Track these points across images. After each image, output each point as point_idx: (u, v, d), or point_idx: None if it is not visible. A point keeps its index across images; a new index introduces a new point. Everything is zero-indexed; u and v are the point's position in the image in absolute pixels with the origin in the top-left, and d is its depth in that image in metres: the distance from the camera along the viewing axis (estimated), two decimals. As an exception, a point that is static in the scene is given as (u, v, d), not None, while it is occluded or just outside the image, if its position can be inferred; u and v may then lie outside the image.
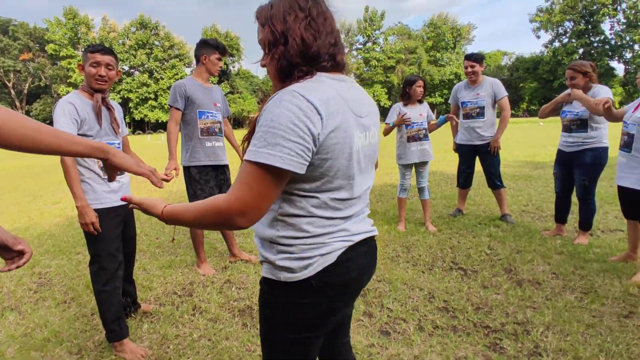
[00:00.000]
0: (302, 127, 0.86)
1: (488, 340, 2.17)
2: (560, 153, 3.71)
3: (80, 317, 2.60)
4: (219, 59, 3.20)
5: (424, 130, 4.10)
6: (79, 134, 2.07)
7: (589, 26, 50.75)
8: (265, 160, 0.85)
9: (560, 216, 3.82)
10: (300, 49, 0.96)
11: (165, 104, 48.16)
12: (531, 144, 13.47)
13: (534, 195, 5.65)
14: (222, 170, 3.31)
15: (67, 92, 2.23)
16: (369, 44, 60.44)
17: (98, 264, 2.14)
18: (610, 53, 50.80)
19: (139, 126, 55.73)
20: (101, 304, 2.14)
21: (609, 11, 48.29)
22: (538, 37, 63.65)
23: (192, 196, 3.17)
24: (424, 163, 4.17)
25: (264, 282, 1.06)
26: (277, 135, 0.86)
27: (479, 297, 2.67)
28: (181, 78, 3.25)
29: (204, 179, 3.18)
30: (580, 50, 51.27)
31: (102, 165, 2.13)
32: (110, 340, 2.16)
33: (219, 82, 50.63)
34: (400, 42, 60.40)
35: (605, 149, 3.43)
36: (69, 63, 47.60)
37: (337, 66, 1.03)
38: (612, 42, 50.40)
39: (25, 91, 53.31)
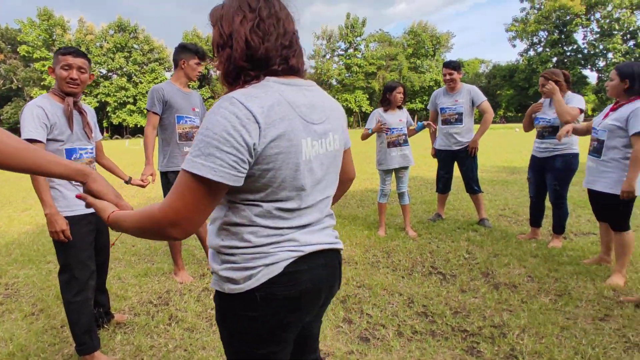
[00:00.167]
0: (237, 137, 0.82)
1: (466, 344, 2.19)
2: (533, 159, 3.81)
3: (49, 329, 2.50)
4: (198, 64, 3.16)
5: (404, 136, 4.14)
6: (48, 139, 2.00)
7: (562, 36, 52.64)
8: (197, 170, 0.82)
9: (535, 220, 3.91)
10: (244, 52, 0.91)
11: (144, 108, 47.34)
12: (508, 150, 13.82)
13: (510, 199, 5.78)
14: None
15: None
16: (351, 50, 60.97)
17: (68, 274, 2.06)
18: (582, 62, 52.77)
19: (117, 131, 54.53)
20: (71, 315, 2.06)
21: (582, 21, 50.21)
22: (514, 46, 65.87)
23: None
24: (404, 168, 4.21)
25: (215, 294, 1.02)
26: (211, 145, 0.82)
27: (458, 301, 2.70)
28: (161, 82, 3.18)
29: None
30: (554, 59, 53.07)
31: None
32: (80, 354, 2.08)
33: (200, 87, 50.10)
34: (381, 48, 61.23)
35: (576, 155, 3.54)
36: (43, 65, 46.20)
37: (290, 70, 0.97)
38: (585, 51, 52.40)
39: (-4, 93, 51.51)
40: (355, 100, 58.55)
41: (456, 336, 2.27)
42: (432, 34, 62.65)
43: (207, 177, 0.81)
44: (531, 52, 56.46)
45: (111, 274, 3.30)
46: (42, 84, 46.80)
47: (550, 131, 3.61)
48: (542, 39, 55.00)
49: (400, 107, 4.23)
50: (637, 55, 46.54)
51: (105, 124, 52.48)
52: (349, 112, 61.75)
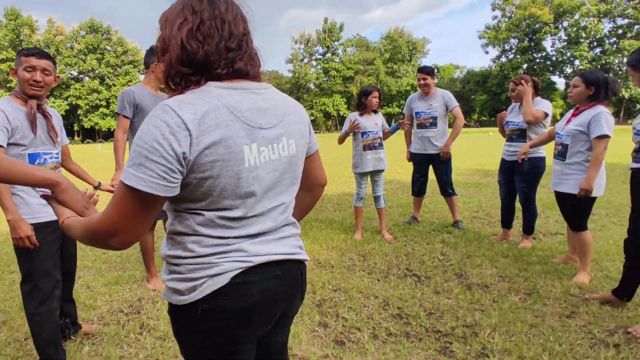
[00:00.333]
0: (166, 146, 0.79)
1: (439, 345, 2.22)
2: (503, 162, 3.94)
3: (12, 342, 2.39)
4: (170, 67, 3.10)
5: (379, 139, 4.19)
6: (10, 143, 1.92)
7: (532, 43, 54.66)
8: (129, 181, 0.79)
9: (506, 221, 4.02)
10: (181, 56, 0.88)
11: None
12: (482, 153, 14.18)
13: (483, 201, 5.93)
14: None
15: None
16: (329, 55, 61.43)
17: (31, 283, 1.97)
18: (551, 68, 54.92)
19: (89, 134, 52.95)
20: (34, 327, 1.97)
21: (551, 29, 52.30)
22: (487, 52, 67.64)
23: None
24: (380, 171, 4.25)
25: (168, 305, 0.98)
26: (142, 155, 0.79)
27: (432, 302, 2.74)
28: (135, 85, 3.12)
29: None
30: (525, 66, 55.01)
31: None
32: (44, 366, 1.99)
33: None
34: (358, 53, 61.96)
35: (543, 159, 3.67)
36: (9, 66, 44.33)
37: (236, 73, 0.92)
38: (554, 58, 54.56)
39: (-41, 96, 49.15)
40: (333, 104, 58.95)
41: (430, 337, 2.30)
42: (409, 40, 63.86)
43: (137, 188, 0.79)
44: (503, 59, 58.34)
45: (80, 282, 3.19)
46: (8, 85, 44.94)
47: (518, 134, 3.74)
48: (513, 46, 56.94)
49: (375, 111, 4.28)
50: (603, 62, 48.81)
51: (76, 128, 50.87)
52: (327, 116, 62.04)
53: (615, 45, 49.17)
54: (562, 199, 3.05)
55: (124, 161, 2.96)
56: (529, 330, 2.33)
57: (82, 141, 48.41)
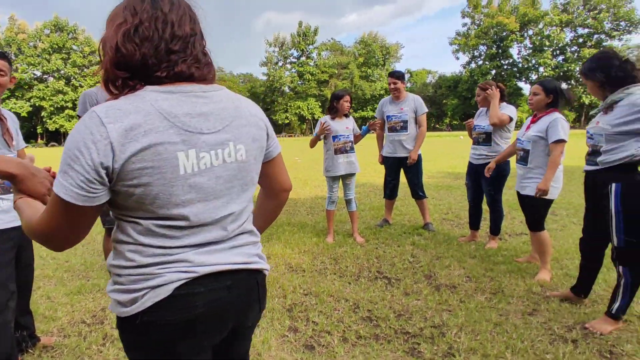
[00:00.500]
0: (86, 155, 0.76)
1: (407, 346, 2.25)
2: (470, 165, 4.06)
3: (-37, 357, 2.25)
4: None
5: (350, 143, 4.23)
6: (-41, 147, 1.82)
7: (500, 50, 56.75)
8: (55, 188, 0.79)
9: (474, 223, 4.14)
10: (115, 59, 0.84)
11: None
12: (452, 156, 14.54)
13: (453, 204, 6.08)
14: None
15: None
16: (303, 58, 61.58)
17: (-17, 296, 1.87)
18: (518, 75, 57.13)
19: (54, 137, 50.82)
20: (-14, 341, 1.87)
21: (517, 37, 54.46)
22: (457, 58, 69.91)
23: (104, 213, 2.93)
24: (351, 175, 4.29)
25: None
26: (65, 162, 0.78)
27: (401, 304, 2.78)
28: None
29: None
30: (493, 72, 57.04)
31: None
32: (-3, 382, 1.89)
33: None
34: (333, 57, 62.45)
35: (507, 162, 3.81)
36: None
37: (177, 76, 0.87)
38: (520, 64, 56.79)
39: None
40: (307, 107, 59.09)
41: (398, 338, 2.33)
42: (382, 45, 64.99)
43: (59, 195, 0.78)
44: (473, 65, 60.27)
45: (39, 293, 3.05)
46: (-35, 86, 42.61)
47: (484, 138, 3.86)
48: (482, 53, 58.94)
49: (347, 115, 4.32)
50: (565, 69, 51.21)
51: (40, 130, 48.76)
52: (301, 119, 62.09)
53: (576, 54, 51.76)
54: (524, 200, 3.17)
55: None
56: (494, 328, 2.40)
57: (47, 144, 46.41)
